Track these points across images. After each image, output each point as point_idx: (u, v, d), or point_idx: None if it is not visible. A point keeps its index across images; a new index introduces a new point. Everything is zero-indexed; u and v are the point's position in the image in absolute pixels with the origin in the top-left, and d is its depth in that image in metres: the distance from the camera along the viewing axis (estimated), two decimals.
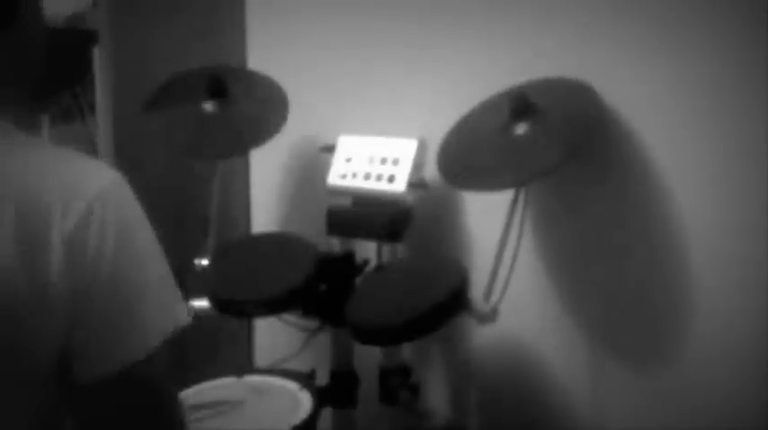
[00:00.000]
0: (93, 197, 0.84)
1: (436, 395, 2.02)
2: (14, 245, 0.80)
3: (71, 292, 0.81)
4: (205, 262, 1.99)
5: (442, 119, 1.75)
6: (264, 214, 2.50)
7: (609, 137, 1.60)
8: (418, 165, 1.84)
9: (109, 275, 0.83)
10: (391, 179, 1.85)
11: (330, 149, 2.00)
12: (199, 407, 1.75)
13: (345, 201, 1.96)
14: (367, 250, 1.97)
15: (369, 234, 1.92)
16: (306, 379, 1.84)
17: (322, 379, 1.94)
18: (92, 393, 0.84)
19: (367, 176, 1.89)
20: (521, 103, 1.59)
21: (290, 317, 1.96)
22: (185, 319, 0.89)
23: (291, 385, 1.81)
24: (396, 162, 1.86)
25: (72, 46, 2.37)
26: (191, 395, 1.80)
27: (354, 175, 1.92)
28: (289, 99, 2.03)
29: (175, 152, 2.15)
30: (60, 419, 0.87)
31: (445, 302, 1.62)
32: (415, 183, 1.85)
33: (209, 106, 2.02)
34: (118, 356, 0.83)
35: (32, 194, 0.82)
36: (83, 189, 0.84)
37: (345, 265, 1.95)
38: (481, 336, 1.90)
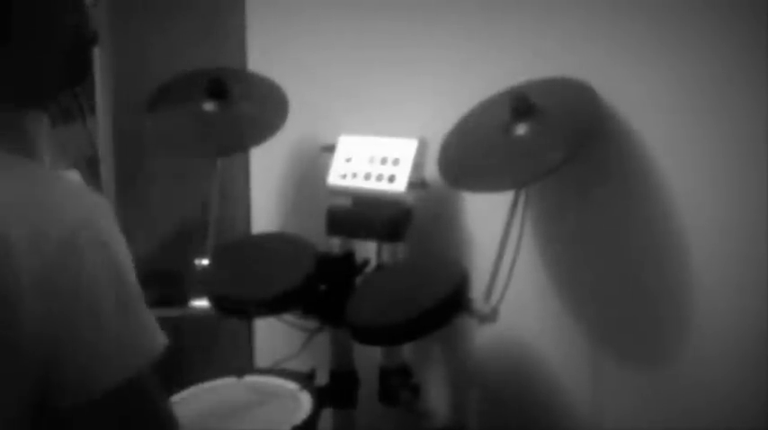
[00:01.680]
0: (71, 228, 0.82)
1: (436, 395, 2.02)
2: None
3: (44, 334, 0.80)
4: (205, 262, 1.99)
5: (442, 119, 1.75)
6: (264, 214, 2.50)
7: (609, 137, 1.60)
8: (418, 165, 1.84)
9: (87, 315, 0.82)
10: (391, 179, 1.85)
11: (330, 149, 2.00)
12: (199, 407, 1.75)
13: (345, 201, 1.96)
14: (367, 250, 1.97)
15: (369, 234, 1.92)
16: (306, 379, 1.84)
17: (322, 379, 1.94)
18: (69, 418, 0.84)
19: (367, 176, 1.89)
20: (521, 103, 1.59)
21: (290, 317, 1.96)
22: (161, 348, 0.88)
23: (291, 385, 1.81)
24: (396, 162, 1.86)
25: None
26: (191, 395, 1.80)
27: (354, 175, 1.92)
28: (289, 99, 2.03)
29: (175, 152, 2.15)
30: None
31: (445, 302, 1.62)
32: (416, 183, 1.85)
33: (209, 106, 2.02)
34: (92, 386, 0.83)
35: (3, 229, 0.79)
36: (59, 219, 0.82)
37: (345, 265, 1.95)
38: (481, 336, 1.90)
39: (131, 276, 0.88)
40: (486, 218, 1.77)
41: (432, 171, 1.78)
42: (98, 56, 2.39)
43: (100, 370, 0.83)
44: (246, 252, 2.06)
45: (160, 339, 0.89)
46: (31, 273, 0.79)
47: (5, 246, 0.79)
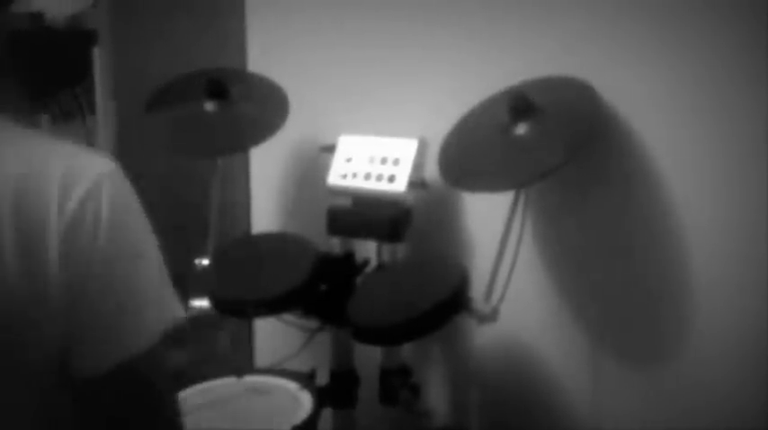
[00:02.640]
0: (91, 184, 0.83)
1: (436, 395, 2.02)
2: (13, 242, 0.79)
3: (67, 287, 0.80)
4: (205, 262, 1.99)
5: (442, 119, 1.75)
6: (264, 214, 2.50)
7: (609, 136, 1.60)
8: (418, 165, 1.84)
9: (103, 267, 0.82)
10: (391, 179, 1.85)
11: (330, 149, 2.00)
12: (199, 407, 1.75)
13: (345, 201, 1.96)
14: (367, 250, 1.97)
15: (369, 234, 1.92)
16: (306, 379, 1.84)
17: (322, 379, 1.94)
18: (91, 388, 0.84)
19: (367, 176, 1.89)
20: (521, 103, 1.59)
21: (290, 317, 1.96)
22: (182, 315, 0.88)
23: (291, 385, 1.81)
24: (396, 162, 1.86)
25: (72, 46, 2.37)
26: (191, 395, 1.80)
27: (354, 175, 1.92)
28: (289, 99, 2.03)
29: (175, 152, 2.15)
30: (63, 416, 0.86)
31: (445, 302, 1.62)
32: (416, 183, 1.85)
33: (209, 106, 2.02)
34: (115, 352, 0.83)
35: (30, 187, 0.81)
36: (80, 176, 0.83)
37: (345, 265, 1.95)
38: (481, 336, 1.90)
39: (153, 240, 0.88)
40: (486, 218, 1.77)
41: (432, 171, 1.78)
42: (98, 56, 2.40)
43: (119, 333, 0.83)
44: (246, 252, 2.06)
45: (179, 309, 0.88)
46: (56, 229, 0.80)
47: (42, 211, 0.80)
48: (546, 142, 1.57)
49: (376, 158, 1.90)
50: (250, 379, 1.88)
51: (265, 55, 2.39)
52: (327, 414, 1.92)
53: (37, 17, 2.40)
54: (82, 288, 0.81)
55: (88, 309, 0.82)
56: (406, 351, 1.92)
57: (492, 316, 1.61)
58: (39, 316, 0.81)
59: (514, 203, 1.59)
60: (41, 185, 0.81)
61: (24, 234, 0.80)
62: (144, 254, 0.87)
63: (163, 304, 0.87)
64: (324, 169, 1.99)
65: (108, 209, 0.83)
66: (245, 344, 2.56)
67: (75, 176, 0.83)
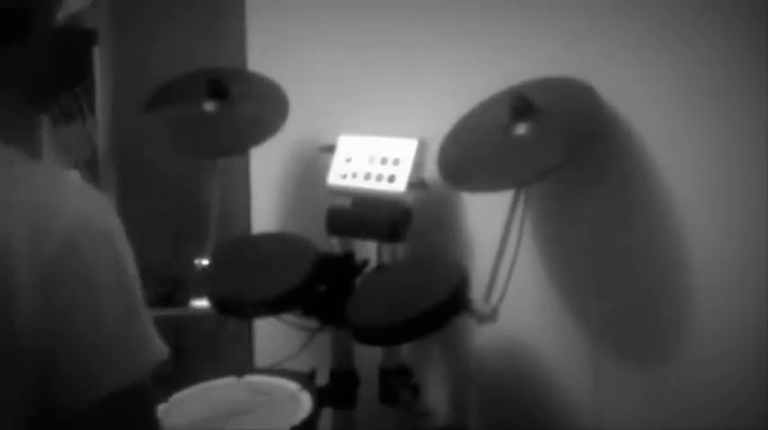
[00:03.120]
0: (72, 229, 0.81)
1: (436, 395, 2.02)
2: None
3: (41, 332, 0.80)
4: (205, 262, 1.99)
5: (442, 119, 1.75)
6: (264, 214, 2.50)
7: (609, 136, 1.59)
8: (418, 165, 1.84)
9: (80, 317, 0.81)
10: (391, 179, 1.85)
11: (330, 149, 2.00)
12: (199, 407, 1.75)
13: (345, 201, 1.96)
14: (367, 250, 1.97)
15: (369, 234, 1.92)
16: (306, 379, 1.84)
17: (322, 379, 1.94)
18: (73, 422, 0.83)
19: (367, 176, 1.89)
20: (521, 103, 1.59)
21: (290, 317, 1.96)
22: (163, 354, 0.88)
23: (291, 385, 1.81)
24: (396, 162, 1.86)
25: (72, 46, 2.37)
26: (191, 395, 1.80)
27: (354, 175, 1.92)
28: (289, 99, 2.03)
29: (175, 152, 2.15)
30: None
31: (445, 302, 1.62)
32: (415, 183, 1.85)
33: (209, 106, 2.02)
34: (95, 389, 0.83)
35: (3, 228, 0.79)
36: (61, 219, 0.81)
37: (345, 265, 1.95)
38: (481, 337, 1.90)
39: (133, 280, 0.87)
40: (486, 218, 1.77)
41: (432, 171, 1.78)
42: (98, 56, 2.40)
43: (99, 374, 0.83)
44: (246, 252, 2.06)
45: (161, 348, 0.88)
46: (30, 271, 0.79)
47: (6, 244, 0.79)
48: (546, 142, 1.57)
49: (376, 158, 1.90)
50: (250, 379, 1.88)
51: (265, 55, 2.40)
52: (327, 414, 1.92)
53: None
54: (60, 333, 0.81)
55: (65, 353, 0.81)
56: (406, 351, 1.92)
57: (492, 316, 1.61)
58: (9, 355, 0.80)
59: (514, 203, 1.59)
60: (22, 221, 0.79)
61: None
62: (125, 298, 0.85)
63: (142, 346, 0.86)
64: (324, 169, 1.99)
65: (86, 259, 0.82)
66: (245, 344, 2.56)
67: (50, 217, 0.81)
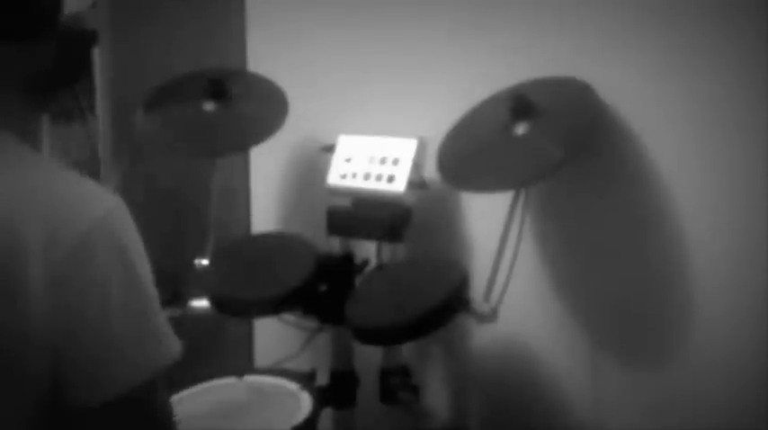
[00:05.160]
0: (86, 229, 0.81)
1: (436, 395, 2.02)
2: None
3: (55, 330, 0.80)
4: (205, 262, 1.99)
5: (442, 119, 1.75)
6: (264, 214, 2.50)
7: (609, 137, 1.60)
8: (418, 165, 1.84)
9: (94, 316, 0.81)
10: (391, 179, 1.85)
11: (330, 149, 2.00)
12: (200, 407, 1.75)
13: (345, 201, 1.96)
14: (367, 250, 1.97)
15: (369, 234, 1.92)
16: (306, 379, 1.84)
17: (322, 379, 1.94)
18: (85, 418, 0.83)
19: (367, 176, 1.89)
20: (521, 103, 1.59)
21: (290, 317, 1.96)
22: (177, 351, 0.88)
23: (291, 385, 1.80)
24: (396, 162, 1.86)
25: (72, 46, 2.36)
26: (191, 395, 1.80)
27: (354, 175, 1.92)
28: (289, 99, 2.03)
29: (175, 152, 2.15)
30: None
31: (445, 302, 1.62)
32: (415, 183, 1.85)
33: (209, 106, 2.02)
34: (108, 387, 0.83)
35: (15, 221, 0.79)
36: (75, 218, 0.82)
37: (345, 265, 1.95)
38: (481, 337, 1.90)
39: (147, 280, 0.87)
40: (486, 218, 1.77)
41: (431, 171, 1.78)
42: (98, 56, 2.39)
43: (110, 373, 0.83)
44: (246, 252, 2.06)
45: (174, 347, 0.88)
46: (44, 269, 0.79)
47: (19, 242, 0.79)
48: (546, 142, 1.57)
49: (375, 158, 1.90)
50: (250, 379, 1.87)
51: (265, 55, 2.39)
52: (327, 414, 1.92)
53: None
54: (71, 333, 0.81)
55: (78, 351, 0.82)
56: (406, 351, 1.92)
57: (491, 316, 1.61)
58: (23, 352, 0.80)
59: (514, 203, 1.59)
60: (29, 224, 0.79)
61: (5, 276, 0.78)
62: (138, 299, 0.86)
63: (156, 343, 0.87)
64: (324, 169, 1.99)
65: (104, 256, 0.82)
66: (245, 344, 2.56)
67: (69, 217, 0.81)
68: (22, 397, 0.82)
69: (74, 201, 0.84)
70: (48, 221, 0.80)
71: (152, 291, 0.88)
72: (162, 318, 0.88)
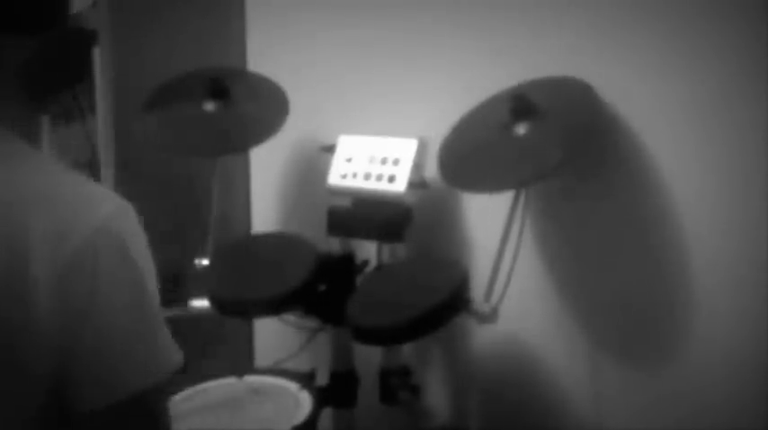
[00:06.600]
0: (91, 230, 0.81)
1: (436, 395, 2.02)
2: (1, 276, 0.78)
3: (59, 330, 0.80)
4: (205, 262, 1.99)
5: (442, 119, 1.75)
6: (264, 214, 2.50)
7: (609, 137, 1.59)
8: (418, 165, 1.84)
9: (99, 317, 0.81)
10: (391, 179, 1.85)
11: (330, 149, 2.00)
12: (200, 407, 1.75)
13: (345, 202, 1.96)
14: (367, 250, 1.97)
15: (369, 234, 1.92)
16: (306, 379, 1.84)
17: (322, 379, 1.94)
18: (89, 422, 0.83)
19: (367, 176, 1.89)
20: (521, 103, 1.59)
21: (290, 317, 1.96)
22: (179, 358, 0.88)
23: (291, 385, 1.81)
24: (396, 162, 1.86)
25: (72, 46, 2.36)
26: (191, 395, 1.80)
27: (354, 175, 1.92)
28: (289, 99, 2.03)
29: (175, 152, 2.15)
30: None
31: (445, 302, 1.62)
32: (415, 183, 1.85)
33: (209, 106, 2.02)
34: (112, 391, 0.83)
35: (21, 221, 0.79)
36: (81, 219, 0.82)
37: (345, 265, 1.95)
38: (481, 337, 1.90)
39: (151, 286, 0.87)
40: (486, 218, 1.77)
41: (432, 171, 1.78)
42: (98, 56, 2.39)
43: (114, 374, 0.83)
44: (246, 252, 2.07)
45: (176, 356, 0.88)
46: (50, 269, 0.79)
47: (24, 243, 0.79)
48: (546, 142, 1.57)
49: (376, 158, 1.90)
50: (250, 379, 1.87)
51: (265, 55, 2.40)
52: (327, 414, 1.92)
53: None
54: (76, 334, 0.81)
55: (82, 351, 0.81)
56: (406, 351, 1.92)
57: (492, 316, 1.61)
58: (27, 352, 0.80)
59: (514, 203, 1.59)
60: (36, 225, 0.79)
61: (12, 276, 0.78)
62: (141, 303, 0.85)
63: (158, 349, 0.86)
64: (324, 169, 1.99)
65: (109, 260, 0.82)
66: (245, 344, 2.56)
67: (74, 220, 0.81)
68: (26, 397, 0.82)
69: (80, 201, 0.84)
70: (54, 222, 0.81)
71: (156, 298, 0.87)
72: (164, 325, 0.88)
